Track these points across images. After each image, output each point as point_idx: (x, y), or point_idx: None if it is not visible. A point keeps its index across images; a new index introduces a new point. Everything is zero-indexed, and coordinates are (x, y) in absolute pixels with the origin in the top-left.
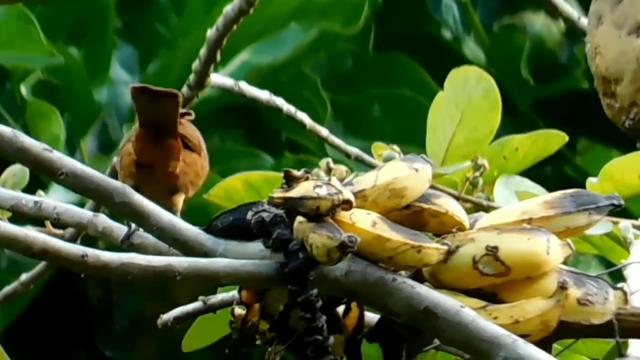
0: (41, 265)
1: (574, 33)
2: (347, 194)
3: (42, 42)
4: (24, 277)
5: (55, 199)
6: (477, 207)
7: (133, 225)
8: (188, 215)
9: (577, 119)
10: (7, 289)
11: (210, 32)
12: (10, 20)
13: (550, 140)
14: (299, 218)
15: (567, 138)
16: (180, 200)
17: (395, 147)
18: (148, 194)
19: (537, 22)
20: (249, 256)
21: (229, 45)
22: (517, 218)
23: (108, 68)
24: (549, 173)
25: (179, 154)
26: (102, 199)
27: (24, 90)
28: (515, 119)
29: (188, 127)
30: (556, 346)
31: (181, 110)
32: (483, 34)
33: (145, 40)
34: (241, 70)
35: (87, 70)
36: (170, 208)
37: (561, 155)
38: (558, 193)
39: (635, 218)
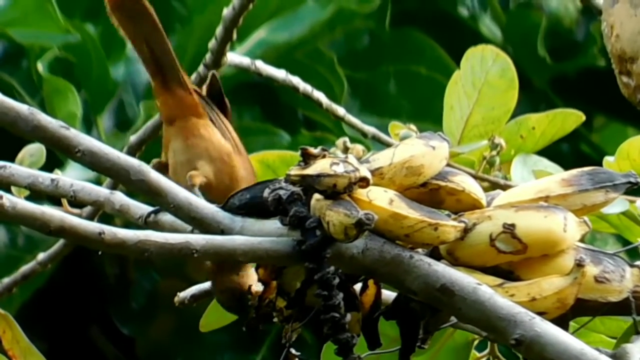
0: (59, 244)
1: (590, 11)
2: (364, 172)
3: (58, 19)
4: (41, 256)
5: (72, 177)
6: (494, 186)
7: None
8: None
9: (593, 97)
10: (25, 268)
11: (227, 11)
12: None
13: (567, 119)
14: (316, 195)
15: (584, 117)
16: (197, 178)
17: (413, 126)
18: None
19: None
20: (266, 234)
21: (246, 23)
22: (534, 196)
23: (124, 45)
24: (566, 151)
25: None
26: (118, 177)
27: (40, 67)
28: (531, 97)
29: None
30: (573, 324)
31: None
32: (499, 11)
33: (160, 16)
34: (258, 48)
35: (104, 47)
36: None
37: (578, 133)
38: (575, 171)
39: None
